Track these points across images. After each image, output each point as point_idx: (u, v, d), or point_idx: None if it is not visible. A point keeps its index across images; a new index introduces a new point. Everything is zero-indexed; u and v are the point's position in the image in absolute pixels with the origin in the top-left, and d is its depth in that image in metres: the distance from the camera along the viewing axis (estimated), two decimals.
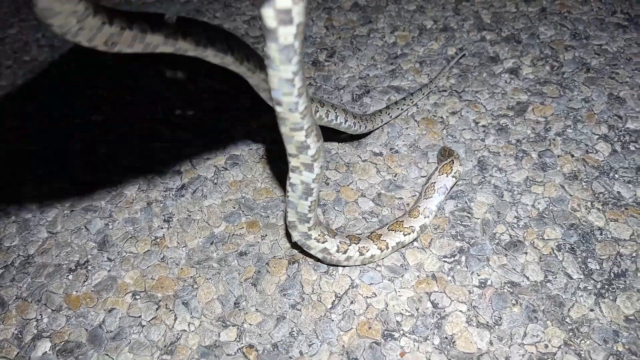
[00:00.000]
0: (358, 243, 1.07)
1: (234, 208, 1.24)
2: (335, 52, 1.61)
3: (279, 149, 1.35)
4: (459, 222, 1.16)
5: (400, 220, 1.11)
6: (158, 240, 1.20)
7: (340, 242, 1.05)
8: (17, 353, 1.05)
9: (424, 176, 1.26)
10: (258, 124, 1.43)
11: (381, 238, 1.09)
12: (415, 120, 1.38)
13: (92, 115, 1.52)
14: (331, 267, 1.11)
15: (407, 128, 1.37)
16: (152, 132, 1.44)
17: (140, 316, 1.08)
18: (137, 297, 1.11)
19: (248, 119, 1.44)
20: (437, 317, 1.02)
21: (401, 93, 1.45)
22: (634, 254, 1.07)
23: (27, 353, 1.05)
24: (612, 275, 1.05)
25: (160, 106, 1.51)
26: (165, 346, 1.03)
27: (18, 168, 1.40)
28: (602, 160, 1.24)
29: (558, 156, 1.26)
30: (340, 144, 1.35)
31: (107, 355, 1.02)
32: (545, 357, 0.95)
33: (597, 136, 1.29)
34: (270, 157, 1.34)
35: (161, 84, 1.59)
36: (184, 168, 1.34)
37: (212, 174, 1.32)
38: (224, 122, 1.45)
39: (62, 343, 1.05)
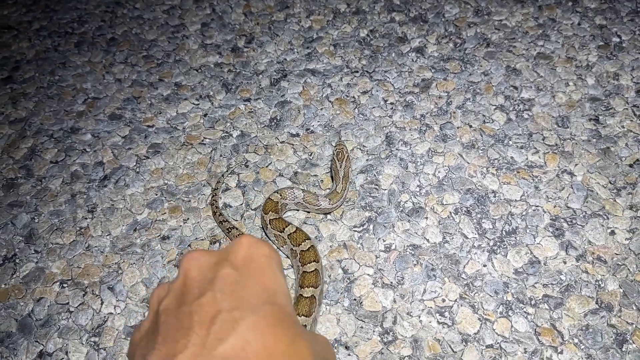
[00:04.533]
0: None
1: (157, 195, 1.29)
2: (253, 38, 1.66)
3: (199, 135, 1.41)
4: (368, 193, 1.25)
5: None
6: (83, 230, 1.25)
7: None
8: None
9: None
10: (177, 112, 1.48)
11: None
12: (330, 101, 1.46)
13: (14, 110, 1.53)
14: None
15: (321, 109, 1.44)
16: (73, 125, 1.47)
17: (68, 303, 1.13)
18: (65, 285, 1.16)
19: (166, 108, 1.49)
20: (346, 281, 1.11)
21: (317, 76, 1.52)
22: (523, 213, 1.19)
23: None
24: (504, 233, 1.16)
25: (80, 98, 1.54)
26: (93, 329, 1.08)
27: None
28: (497, 129, 1.35)
29: (457, 127, 1.36)
30: (259, 127, 1.42)
31: (36, 341, 1.07)
32: (443, 310, 1.06)
33: (494, 107, 1.40)
34: (191, 143, 1.39)
35: (79, 76, 1.61)
36: (106, 159, 1.38)
37: (134, 163, 1.36)
38: (145, 112, 1.49)
39: None
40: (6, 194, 1.33)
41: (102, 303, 1.12)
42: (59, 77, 1.61)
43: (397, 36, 1.61)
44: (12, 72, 1.65)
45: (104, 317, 1.10)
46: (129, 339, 1.06)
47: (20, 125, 1.49)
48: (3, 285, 1.17)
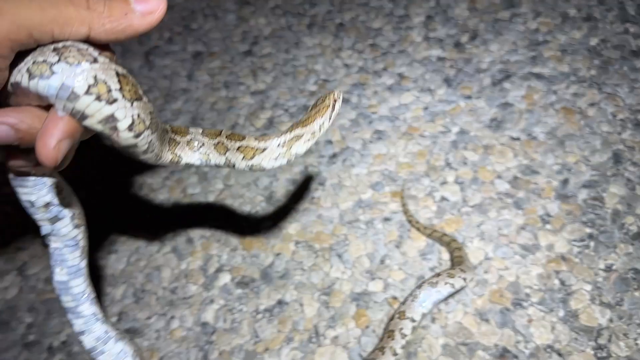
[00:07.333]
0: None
1: (379, 178, 1.42)
2: (477, 35, 1.70)
3: (419, 126, 1.50)
4: (590, 209, 1.26)
5: None
6: (314, 200, 1.42)
7: None
8: (203, 282, 1.32)
9: (559, 164, 1.35)
10: (399, 102, 1.58)
11: None
12: (554, 109, 1.46)
13: (254, 82, 1.74)
14: (466, 240, 1.26)
15: (545, 116, 1.46)
16: (305, 103, 1.64)
17: (302, 262, 1.30)
18: (299, 245, 1.34)
19: (389, 97, 1.60)
20: (563, 292, 1.15)
21: (541, 81, 1.53)
22: None
23: (212, 282, 1.31)
24: None
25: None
26: (323, 288, 1.25)
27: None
28: None
29: None
30: (479, 126, 1.47)
31: (276, 290, 1.26)
32: None
33: None
34: (411, 134, 1.49)
35: (310, 57, 1.77)
36: (335, 139, 1.53)
37: (360, 146, 1.50)
38: (369, 98, 1.61)
39: (240, 277, 1.31)
40: None
41: (331, 267, 1.28)
42: (293, 56, 1.79)
43: (631, 49, 1.55)
44: (251, 47, 1.87)
45: (333, 280, 1.26)
46: (354, 303, 1.20)
47: (259, 97, 1.70)
48: (248, 237, 1.38)
